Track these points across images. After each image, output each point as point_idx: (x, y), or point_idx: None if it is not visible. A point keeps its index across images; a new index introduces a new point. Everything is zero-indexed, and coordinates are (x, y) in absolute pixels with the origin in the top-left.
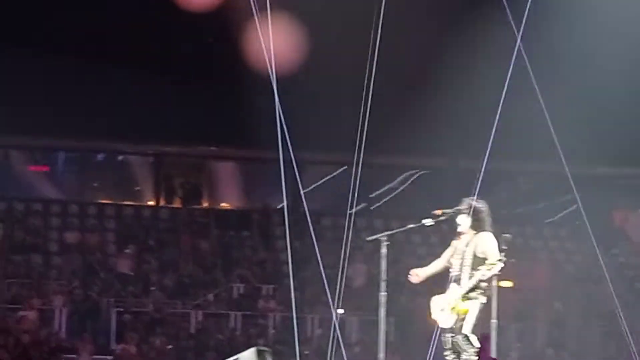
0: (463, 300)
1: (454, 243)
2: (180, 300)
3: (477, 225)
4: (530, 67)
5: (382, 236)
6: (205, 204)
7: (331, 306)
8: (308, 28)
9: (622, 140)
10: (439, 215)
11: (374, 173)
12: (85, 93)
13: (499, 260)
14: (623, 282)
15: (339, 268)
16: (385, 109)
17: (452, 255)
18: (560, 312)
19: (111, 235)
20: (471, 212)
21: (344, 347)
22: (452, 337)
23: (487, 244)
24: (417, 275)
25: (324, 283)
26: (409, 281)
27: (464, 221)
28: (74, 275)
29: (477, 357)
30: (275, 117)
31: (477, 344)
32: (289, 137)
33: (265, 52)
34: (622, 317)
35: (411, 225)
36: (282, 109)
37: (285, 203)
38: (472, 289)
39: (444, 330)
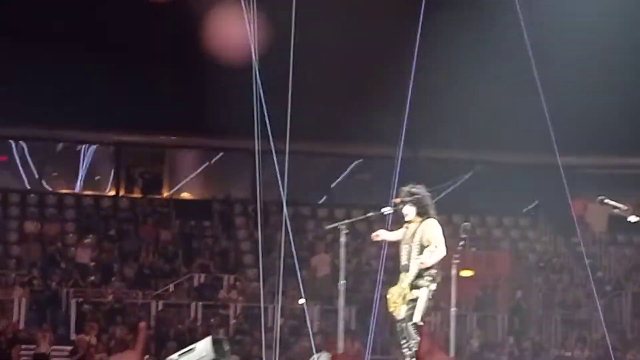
0: (411, 289)
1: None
2: (140, 290)
3: (423, 212)
4: (493, 59)
5: (341, 224)
6: (165, 194)
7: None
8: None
9: (582, 130)
10: (398, 204)
11: (338, 162)
12: (45, 82)
13: (442, 246)
14: (583, 271)
15: (301, 258)
16: (341, 99)
17: (400, 244)
18: (521, 300)
19: (71, 225)
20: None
21: (305, 336)
22: (403, 324)
23: (431, 231)
24: (378, 235)
25: (291, 273)
26: (371, 269)
27: (409, 210)
28: (33, 266)
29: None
30: (236, 106)
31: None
32: (252, 126)
33: (237, 40)
34: (583, 306)
35: (371, 214)
36: (243, 98)
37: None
38: (419, 276)
39: (399, 321)
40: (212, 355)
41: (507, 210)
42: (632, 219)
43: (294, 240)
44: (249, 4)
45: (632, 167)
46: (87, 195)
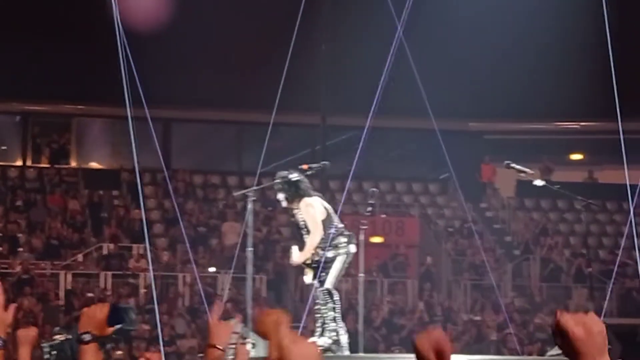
0: (308, 272)
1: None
2: (49, 260)
3: (295, 195)
4: (400, 28)
5: (249, 191)
6: (73, 164)
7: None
8: None
9: (490, 96)
10: (305, 170)
11: (251, 131)
12: None
13: (316, 228)
14: (492, 236)
15: (210, 226)
16: (249, 66)
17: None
18: (430, 266)
19: None
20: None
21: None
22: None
23: (305, 214)
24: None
25: (201, 241)
26: (281, 237)
27: (280, 196)
28: None
29: (334, 313)
30: (142, 75)
31: (337, 299)
32: (158, 94)
33: (133, 8)
34: (492, 271)
35: (278, 180)
36: (149, 66)
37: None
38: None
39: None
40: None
41: (416, 176)
42: (538, 182)
43: (202, 209)
44: None
45: (538, 132)
46: None
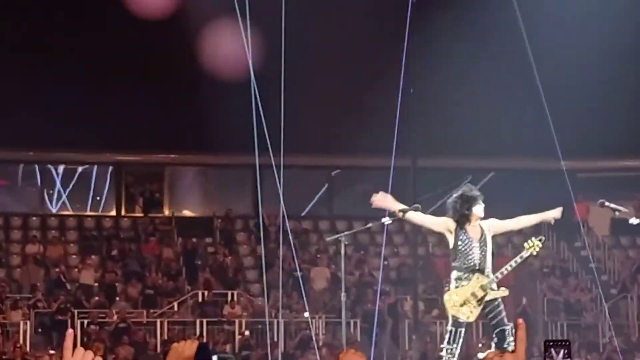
0: (493, 290)
1: (450, 225)
2: (145, 309)
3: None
4: (490, 64)
5: (341, 236)
6: (166, 212)
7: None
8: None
9: (582, 134)
10: (396, 213)
11: (341, 175)
12: (42, 104)
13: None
14: (587, 275)
15: (303, 272)
16: (340, 111)
17: (466, 243)
18: (526, 307)
19: (73, 246)
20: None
21: (311, 349)
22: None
23: (500, 225)
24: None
25: (294, 287)
26: (374, 280)
27: (482, 208)
28: (37, 288)
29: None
30: (234, 122)
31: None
32: (251, 141)
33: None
34: (589, 310)
35: (370, 225)
36: (241, 114)
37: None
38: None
39: (460, 325)
40: None
41: (506, 216)
42: (634, 221)
43: (297, 255)
44: (244, 19)
45: (632, 169)
46: (88, 216)
